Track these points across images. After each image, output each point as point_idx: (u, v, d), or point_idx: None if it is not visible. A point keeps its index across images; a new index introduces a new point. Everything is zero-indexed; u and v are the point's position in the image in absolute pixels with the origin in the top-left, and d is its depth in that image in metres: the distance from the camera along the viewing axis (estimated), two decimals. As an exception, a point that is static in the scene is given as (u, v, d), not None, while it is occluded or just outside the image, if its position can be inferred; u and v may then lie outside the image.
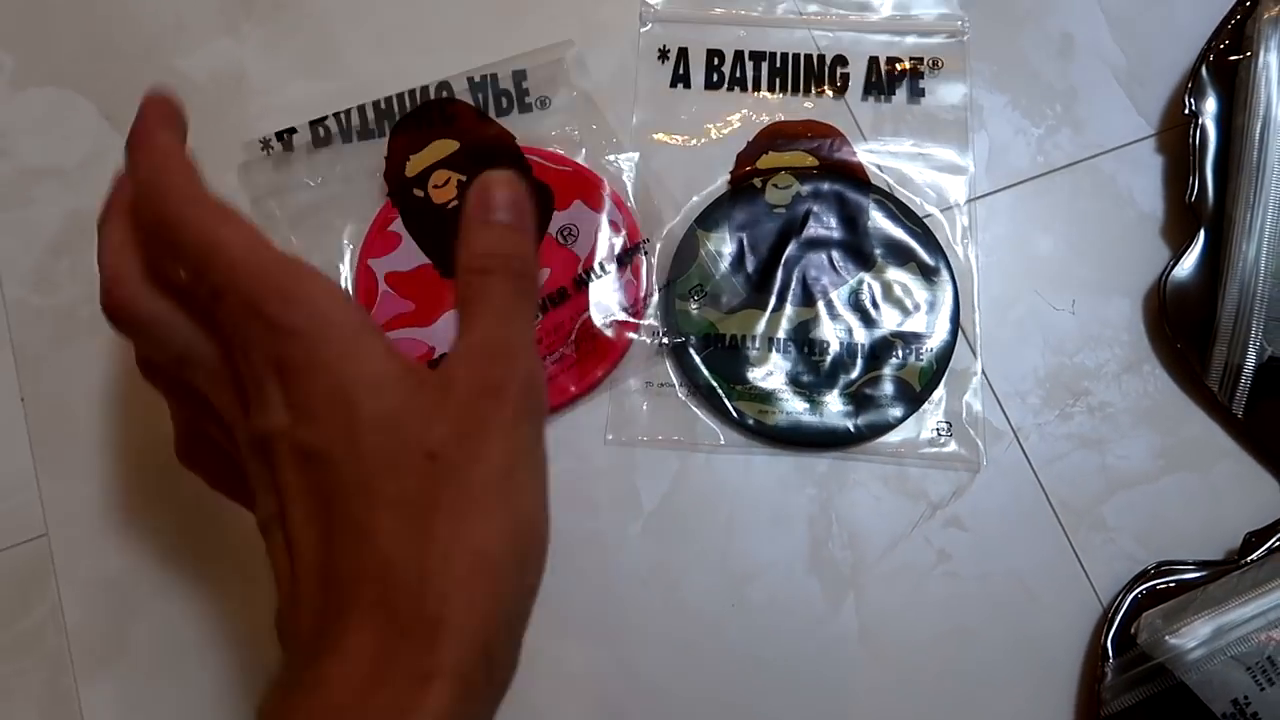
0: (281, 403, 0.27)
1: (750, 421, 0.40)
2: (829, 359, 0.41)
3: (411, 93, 0.43)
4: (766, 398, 0.40)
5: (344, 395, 0.26)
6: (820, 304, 0.41)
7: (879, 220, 0.42)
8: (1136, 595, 0.38)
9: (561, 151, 0.43)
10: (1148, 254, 0.42)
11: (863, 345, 0.41)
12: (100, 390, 0.42)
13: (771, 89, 0.45)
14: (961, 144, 0.44)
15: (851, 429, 0.40)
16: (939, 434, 0.40)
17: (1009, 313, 0.42)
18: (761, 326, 0.41)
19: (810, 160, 0.43)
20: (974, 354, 0.41)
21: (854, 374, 0.40)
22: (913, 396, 0.40)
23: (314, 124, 0.43)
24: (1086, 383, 0.41)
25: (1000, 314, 0.42)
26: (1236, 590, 0.37)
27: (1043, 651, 0.39)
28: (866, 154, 0.44)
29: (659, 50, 0.45)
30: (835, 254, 0.42)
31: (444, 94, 0.43)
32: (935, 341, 0.41)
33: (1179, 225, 0.42)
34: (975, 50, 0.45)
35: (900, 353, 0.41)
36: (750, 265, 0.42)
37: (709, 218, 0.42)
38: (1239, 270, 0.40)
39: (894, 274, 0.41)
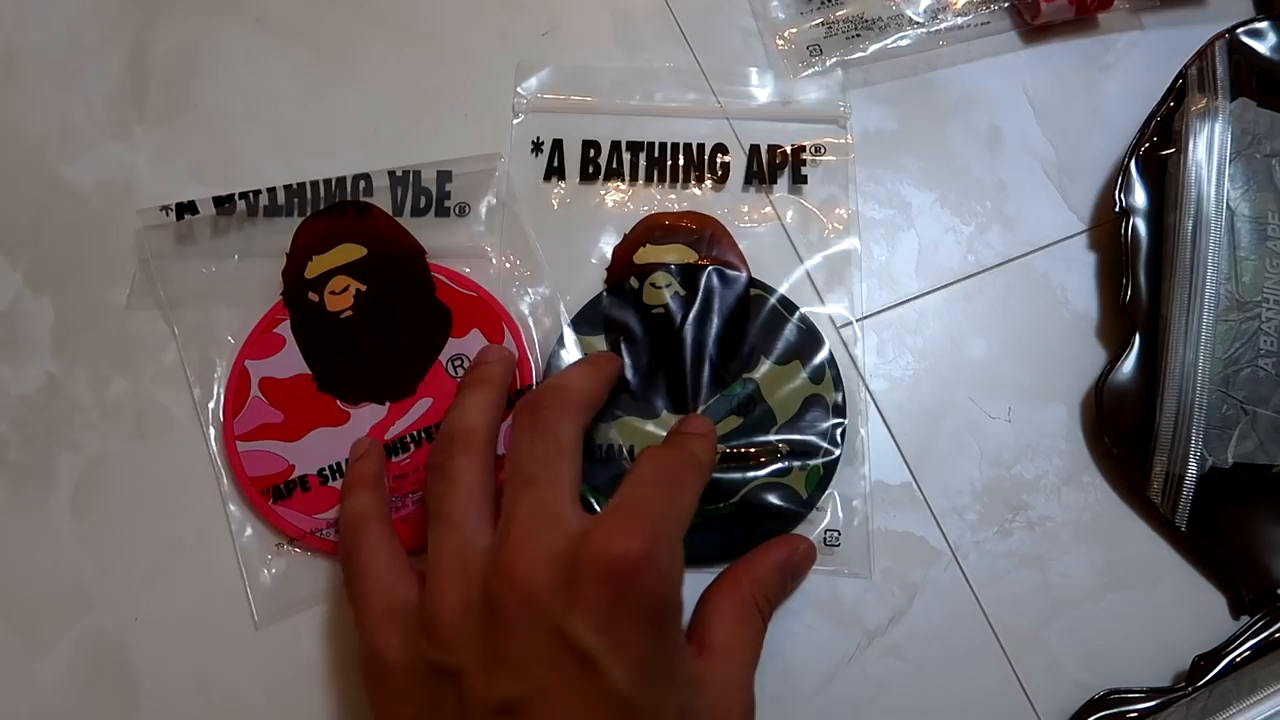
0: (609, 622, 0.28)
1: None
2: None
3: (326, 182, 0.41)
4: None
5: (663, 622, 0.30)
6: (702, 410, 0.39)
7: (762, 317, 0.40)
8: (1085, 728, 0.36)
9: (469, 273, 0.40)
10: (1084, 357, 0.41)
11: (747, 452, 0.39)
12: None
13: (649, 180, 0.43)
14: (846, 231, 0.42)
15: (739, 543, 0.37)
16: (825, 543, 0.38)
17: (944, 422, 0.40)
18: (641, 436, 0.39)
19: (690, 254, 0.41)
20: (863, 458, 0.39)
21: (738, 483, 0.38)
22: (800, 503, 0.38)
23: (218, 200, 0.40)
24: (1025, 496, 0.39)
25: (935, 424, 0.40)
26: (1186, 722, 0.35)
27: (988, 790, 0.36)
28: (748, 246, 0.42)
29: (532, 142, 0.43)
30: (716, 355, 0.40)
31: (362, 184, 0.41)
32: (822, 444, 0.39)
33: (1114, 326, 0.41)
34: (901, 146, 0.43)
35: (786, 458, 0.38)
36: (629, 371, 0.40)
37: (585, 321, 0.40)
38: (1176, 376, 0.39)
39: (778, 373, 0.39)
